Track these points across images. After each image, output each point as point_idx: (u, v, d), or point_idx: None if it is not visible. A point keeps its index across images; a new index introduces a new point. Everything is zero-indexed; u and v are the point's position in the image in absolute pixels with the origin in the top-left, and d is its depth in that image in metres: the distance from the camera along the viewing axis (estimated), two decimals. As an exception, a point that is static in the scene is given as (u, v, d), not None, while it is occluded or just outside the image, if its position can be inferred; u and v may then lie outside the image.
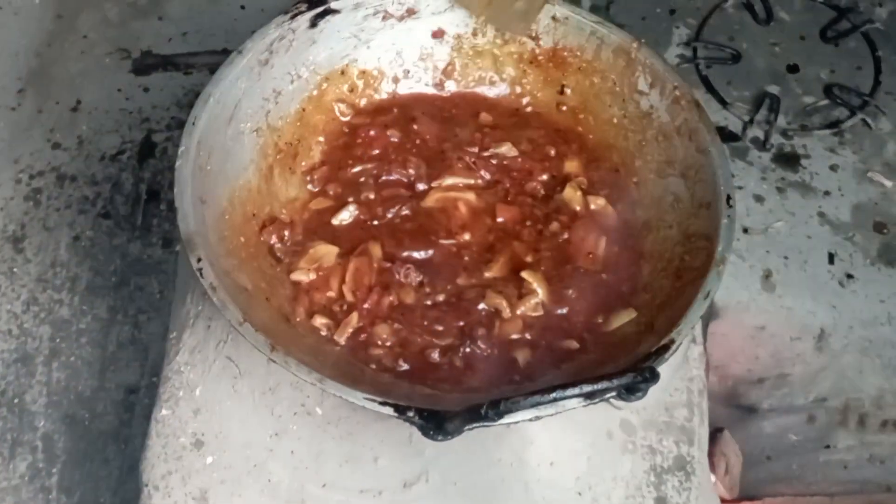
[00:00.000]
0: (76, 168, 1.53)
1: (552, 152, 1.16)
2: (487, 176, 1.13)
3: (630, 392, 0.83)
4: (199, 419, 1.05)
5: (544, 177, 1.14)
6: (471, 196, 1.11)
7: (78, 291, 1.42)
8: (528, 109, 1.21)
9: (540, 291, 1.03)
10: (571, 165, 1.15)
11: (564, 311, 1.04)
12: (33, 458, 1.31)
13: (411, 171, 1.13)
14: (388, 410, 0.84)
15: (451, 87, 1.22)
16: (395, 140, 1.16)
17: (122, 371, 1.36)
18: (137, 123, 1.58)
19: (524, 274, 1.04)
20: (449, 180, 1.12)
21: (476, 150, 1.15)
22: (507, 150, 1.15)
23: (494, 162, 1.14)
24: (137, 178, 1.53)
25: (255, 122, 1.09)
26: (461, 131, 1.17)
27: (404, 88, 1.21)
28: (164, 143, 1.56)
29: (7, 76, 1.63)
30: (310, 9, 1.11)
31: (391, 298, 1.02)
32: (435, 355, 1.00)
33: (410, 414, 0.83)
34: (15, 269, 1.43)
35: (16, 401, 1.34)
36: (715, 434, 1.21)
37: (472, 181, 1.13)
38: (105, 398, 1.34)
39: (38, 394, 1.34)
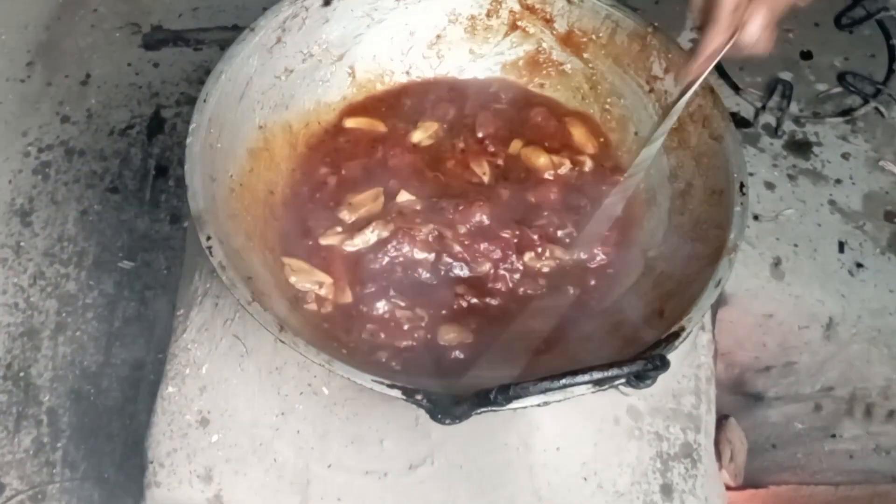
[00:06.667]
0: (85, 142, 1.53)
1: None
2: None
3: (640, 379, 0.82)
4: (205, 397, 1.05)
5: None
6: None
7: (85, 266, 1.42)
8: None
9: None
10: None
11: None
12: (38, 431, 1.31)
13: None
14: (397, 393, 0.83)
15: (462, 71, 1.21)
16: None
17: (128, 347, 1.36)
18: (147, 98, 1.58)
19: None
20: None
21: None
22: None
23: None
24: (146, 153, 1.52)
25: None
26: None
27: (417, 72, 1.20)
28: (173, 119, 1.56)
29: (16, 49, 1.63)
30: (323, -13, 1.11)
31: None
32: None
33: (419, 397, 0.82)
34: (22, 243, 1.43)
35: (21, 374, 1.34)
36: (721, 421, 1.21)
37: None
38: (111, 374, 1.35)
39: (44, 368, 1.35)
